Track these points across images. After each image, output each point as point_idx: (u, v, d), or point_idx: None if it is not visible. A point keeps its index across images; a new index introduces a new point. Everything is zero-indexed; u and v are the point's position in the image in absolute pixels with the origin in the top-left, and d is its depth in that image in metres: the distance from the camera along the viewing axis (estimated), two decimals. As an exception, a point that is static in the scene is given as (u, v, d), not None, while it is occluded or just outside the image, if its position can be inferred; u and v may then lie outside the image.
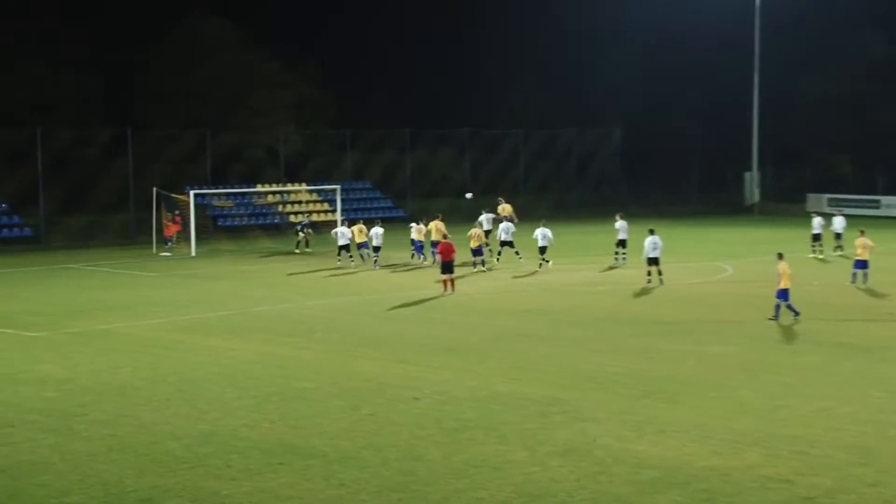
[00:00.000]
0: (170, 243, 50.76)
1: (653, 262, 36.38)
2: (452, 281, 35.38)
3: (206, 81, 68.15)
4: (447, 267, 35.21)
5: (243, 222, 61.90)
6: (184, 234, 50.75)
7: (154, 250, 49.78)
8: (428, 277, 39.70)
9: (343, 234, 43.54)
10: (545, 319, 30.41)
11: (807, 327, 28.43)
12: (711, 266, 42.76)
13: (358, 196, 69.79)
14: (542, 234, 40.95)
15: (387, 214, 68.95)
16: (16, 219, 56.34)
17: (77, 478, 16.25)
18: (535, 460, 16.90)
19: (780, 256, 29.49)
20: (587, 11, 79.89)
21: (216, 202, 62.46)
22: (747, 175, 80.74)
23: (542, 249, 40.88)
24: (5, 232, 55.05)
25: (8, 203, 56.75)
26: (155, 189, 51.15)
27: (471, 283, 38.54)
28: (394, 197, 71.26)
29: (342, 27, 79.28)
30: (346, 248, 43.39)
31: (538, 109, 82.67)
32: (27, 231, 55.84)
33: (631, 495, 15.28)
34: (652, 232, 37.05)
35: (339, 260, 43.01)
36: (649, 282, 36.35)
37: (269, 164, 68.25)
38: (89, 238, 56.38)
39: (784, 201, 76.46)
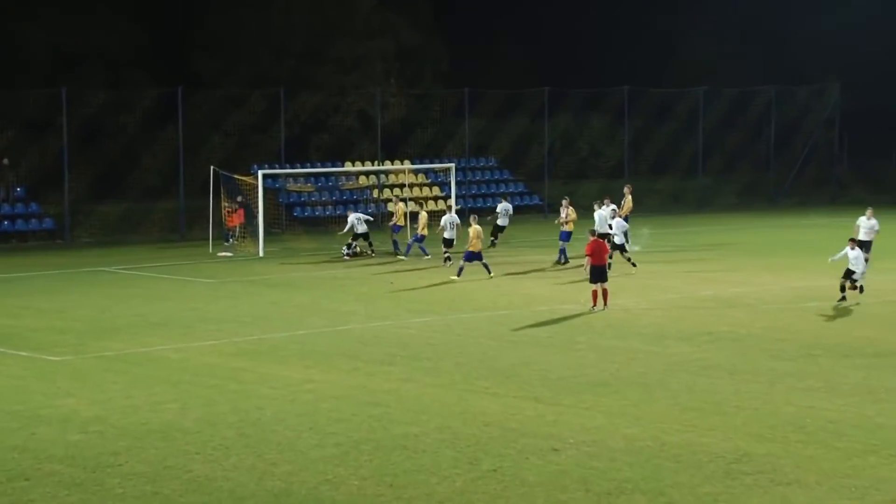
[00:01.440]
0: (231, 239, 51.79)
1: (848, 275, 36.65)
2: (605, 292, 35.30)
3: (280, 27, 69.10)
4: (598, 273, 35.24)
5: (327, 212, 62.72)
6: (249, 228, 51.66)
7: (210, 249, 50.80)
8: (573, 288, 39.61)
9: (359, 220, 47.81)
10: (734, 347, 30.13)
11: None
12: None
13: (479, 178, 70.09)
14: None
15: (517, 202, 69.14)
16: (33, 207, 57.90)
17: (108, 547, 16.64)
18: (718, 538, 16.74)
19: None
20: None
21: (291, 186, 63.44)
22: None
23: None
24: (20, 224, 56.63)
25: (23, 187, 58.21)
26: (213, 168, 52.22)
27: (629, 293, 38.31)
28: (527, 178, 71.28)
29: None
30: (365, 236, 47.07)
31: (724, 61, 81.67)
32: (47, 223, 57.48)
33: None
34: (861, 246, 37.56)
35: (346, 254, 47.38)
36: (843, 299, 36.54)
37: (361, 135, 68.96)
38: (127, 232, 57.89)
39: None
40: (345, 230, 48.85)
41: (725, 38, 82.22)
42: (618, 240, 43.29)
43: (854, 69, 79.61)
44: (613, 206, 46.02)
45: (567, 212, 46.72)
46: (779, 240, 54.44)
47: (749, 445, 21.08)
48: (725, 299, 37.58)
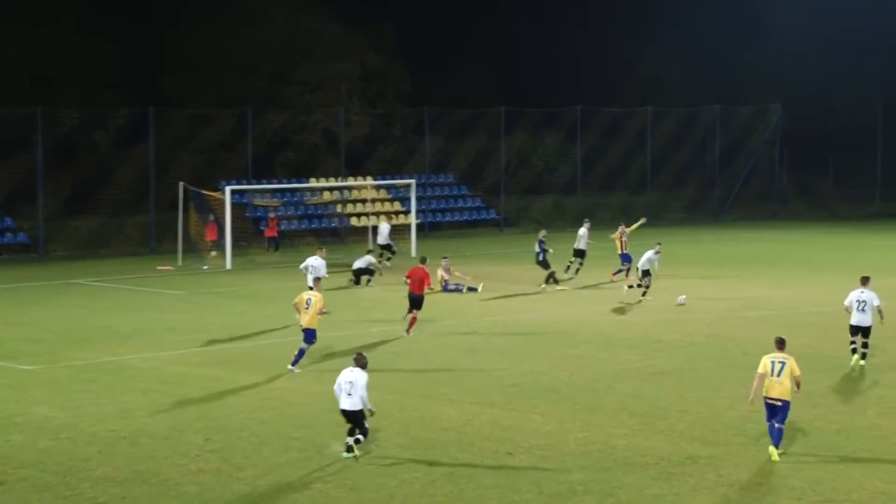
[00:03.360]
0: (214, 251, 51.34)
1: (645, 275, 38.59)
2: (414, 320, 33.21)
3: (249, 48, 69.11)
4: (414, 301, 33.23)
5: (292, 226, 62.60)
6: (219, 243, 51.52)
7: (179, 261, 50.57)
8: (533, 301, 39.73)
9: (315, 268, 37.86)
10: (680, 354, 30.36)
11: None
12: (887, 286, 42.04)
13: (438, 193, 70.12)
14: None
15: (475, 216, 69.24)
16: (8, 221, 57.76)
17: (79, 549, 16.55)
18: (664, 537, 16.81)
19: None
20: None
21: (258, 201, 63.30)
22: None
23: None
24: (-4, 238, 56.42)
25: (-1, 202, 58.09)
26: (182, 184, 52.05)
27: (581, 302, 38.47)
28: (484, 194, 71.44)
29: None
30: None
31: (671, 83, 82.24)
32: (22, 237, 57.27)
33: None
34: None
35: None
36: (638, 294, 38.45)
37: (326, 152, 68.92)
38: (98, 246, 57.57)
39: None
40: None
41: (673, 61, 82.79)
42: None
43: (794, 90, 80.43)
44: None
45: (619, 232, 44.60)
46: (722, 253, 54.81)
47: (693, 448, 21.21)
48: (672, 308, 37.76)
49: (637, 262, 40.35)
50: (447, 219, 68.48)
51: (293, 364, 28.28)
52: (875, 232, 64.98)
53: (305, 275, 37.37)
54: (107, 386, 26.87)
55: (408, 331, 33.12)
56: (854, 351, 28.96)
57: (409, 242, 54.35)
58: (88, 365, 29.33)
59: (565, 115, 73.51)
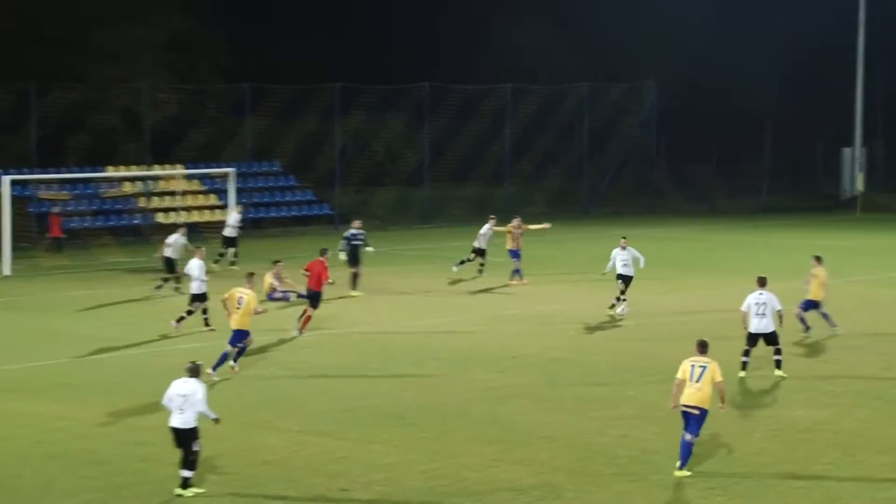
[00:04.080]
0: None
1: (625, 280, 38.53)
2: (308, 319, 35.39)
3: (31, 12, 67.78)
4: (312, 298, 35.65)
5: (85, 223, 61.60)
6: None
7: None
8: (370, 310, 39.78)
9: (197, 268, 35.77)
10: (541, 371, 30.63)
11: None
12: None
13: (262, 184, 69.73)
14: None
15: (305, 212, 69.01)
16: None
17: None
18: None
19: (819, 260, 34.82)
20: None
21: (43, 193, 62.14)
22: (846, 153, 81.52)
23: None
24: None
25: None
26: (-50, 174, 50.85)
27: (426, 314, 38.62)
28: (315, 185, 71.26)
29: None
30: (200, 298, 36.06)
31: (533, 56, 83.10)
32: None
33: None
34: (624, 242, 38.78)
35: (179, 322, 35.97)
36: (613, 306, 38.44)
37: (126, 135, 68.02)
38: None
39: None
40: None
41: (536, 32, 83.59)
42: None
43: (672, 67, 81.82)
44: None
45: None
46: (592, 253, 55.42)
47: (558, 480, 21.42)
48: (532, 319, 38.09)
49: (606, 268, 39.62)
50: (272, 214, 68.09)
51: (213, 369, 29.10)
52: (761, 228, 66.51)
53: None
54: None
55: (300, 330, 34.71)
56: (745, 365, 29.60)
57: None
58: None
59: (411, 93, 73.67)
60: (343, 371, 30.72)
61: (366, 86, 72.06)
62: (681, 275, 47.92)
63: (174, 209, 63.12)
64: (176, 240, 43.08)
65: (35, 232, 58.12)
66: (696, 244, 59.98)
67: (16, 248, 50.13)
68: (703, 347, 22.09)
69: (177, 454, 22.73)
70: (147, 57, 69.65)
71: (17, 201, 52.91)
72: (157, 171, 64.63)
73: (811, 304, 34.79)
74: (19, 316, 39.32)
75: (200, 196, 66.02)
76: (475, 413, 26.24)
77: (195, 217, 63.01)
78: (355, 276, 43.08)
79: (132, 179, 64.39)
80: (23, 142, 63.04)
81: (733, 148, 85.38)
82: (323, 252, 36.31)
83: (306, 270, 35.67)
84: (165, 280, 43.34)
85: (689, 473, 21.27)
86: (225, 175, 58.81)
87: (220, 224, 55.86)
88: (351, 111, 72.82)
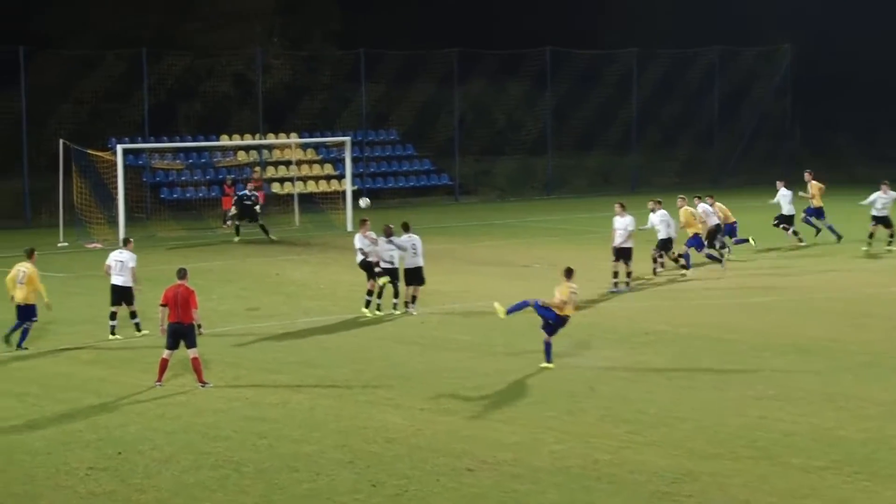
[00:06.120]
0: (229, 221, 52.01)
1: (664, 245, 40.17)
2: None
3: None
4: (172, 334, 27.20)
5: (199, 194, 62.27)
6: (107, 214, 51.16)
7: (61, 237, 50.15)
8: (484, 283, 39.77)
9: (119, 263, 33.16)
10: (674, 348, 30.53)
11: None
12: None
13: (379, 154, 69.97)
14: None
15: (424, 182, 69.14)
16: None
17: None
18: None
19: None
20: None
21: (157, 163, 62.91)
22: None
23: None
24: None
25: None
26: (62, 142, 51.62)
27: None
28: (434, 155, 71.35)
29: None
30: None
31: (660, 19, 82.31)
32: None
33: None
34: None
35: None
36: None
37: (239, 103, 68.55)
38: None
39: None
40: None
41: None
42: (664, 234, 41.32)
43: (809, 29, 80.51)
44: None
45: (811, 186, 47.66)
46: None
47: (692, 463, 21.28)
48: (665, 293, 37.90)
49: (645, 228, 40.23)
50: (390, 185, 68.38)
51: None
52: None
53: None
54: (-26, 390, 26.70)
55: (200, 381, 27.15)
56: None
57: (344, 214, 54.22)
58: (-51, 365, 29.15)
59: (532, 58, 73.47)
60: (467, 347, 30.77)
61: (484, 51, 71.99)
62: (822, 252, 47.08)
63: (289, 179, 63.52)
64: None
65: (149, 202, 58.89)
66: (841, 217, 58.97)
67: (131, 218, 50.80)
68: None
69: (298, 430, 23.13)
70: (260, 24, 70.06)
71: (130, 171, 53.69)
72: (271, 139, 65.10)
73: None
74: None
75: (315, 166, 66.43)
76: (605, 392, 26.17)
77: (311, 187, 63.49)
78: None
79: (246, 149, 64.99)
80: (135, 110, 63.75)
81: (873, 116, 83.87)
82: (182, 274, 27.76)
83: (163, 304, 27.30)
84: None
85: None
86: (340, 144, 59.15)
87: (335, 195, 56.36)
88: (470, 77, 72.77)
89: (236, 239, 50.51)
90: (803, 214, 48.03)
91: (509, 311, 28.85)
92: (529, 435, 22.99)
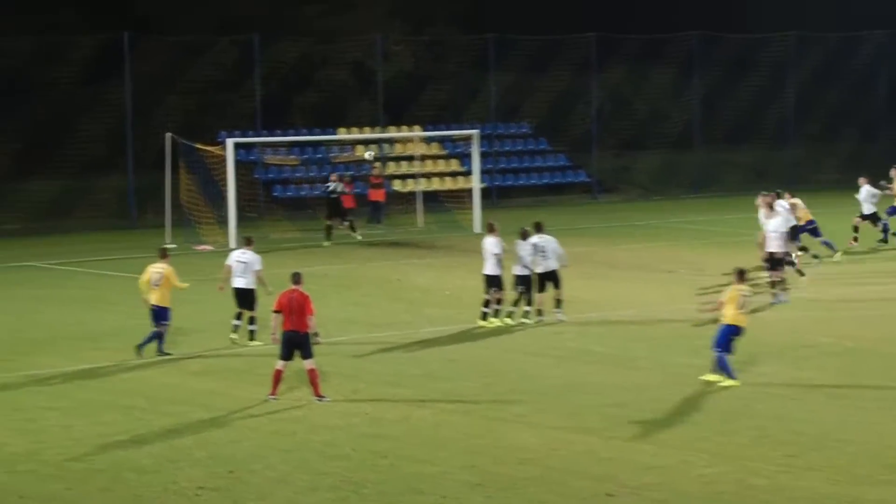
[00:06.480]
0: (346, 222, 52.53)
1: None
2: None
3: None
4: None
5: (315, 191, 62.56)
6: (217, 213, 51.64)
7: (168, 238, 50.64)
8: (636, 290, 39.68)
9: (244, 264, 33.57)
10: (837, 363, 30.28)
11: None
12: None
13: (509, 148, 69.99)
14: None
15: (558, 179, 69.02)
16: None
17: None
18: None
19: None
20: None
21: (270, 158, 63.37)
22: None
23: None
24: None
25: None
26: (169, 136, 52.33)
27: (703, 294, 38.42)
28: (570, 149, 71.27)
29: None
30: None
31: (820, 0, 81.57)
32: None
33: None
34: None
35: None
36: None
37: (358, 94, 68.92)
38: (61, 217, 57.75)
39: None
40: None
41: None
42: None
43: None
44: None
45: None
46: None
47: (858, 490, 21.07)
48: (827, 303, 37.52)
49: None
50: (521, 182, 68.39)
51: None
52: None
53: None
54: (78, 403, 27.08)
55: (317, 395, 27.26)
56: None
57: (471, 213, 54.36)
58: (54, 375, 29.59)
59: (677, 43, 73.12)
60: (606, 360, 30.74)
61: (625, 35, 71.70)
62: None
63: (411, 176, 63.68)
64: None
65: (262, 201, 59.36)
66: None
67: (242, 218, 51.34)
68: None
69: (422, 449, 23.24)
70: (380, 8, 70.40)
71: (240, 167, 54.15)
72: (391, 133, 65.32)
73: None
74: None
75: (440, 161, 66.55)
76: (762, 411, 25.98)
77: (435, 185, 63.54)
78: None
79: (365, 143, 65.18)
80: (246, 101, 64.33)
81: None
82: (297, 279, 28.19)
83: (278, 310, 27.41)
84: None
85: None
86: (468, 138, 59.24)
87: (462, 193, 56.48)
88: (609, 64, 72.58)
89: (326, 243, 50.78)
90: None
91: (729, 376, 28.21)
92: (677, 457, 22.93)
